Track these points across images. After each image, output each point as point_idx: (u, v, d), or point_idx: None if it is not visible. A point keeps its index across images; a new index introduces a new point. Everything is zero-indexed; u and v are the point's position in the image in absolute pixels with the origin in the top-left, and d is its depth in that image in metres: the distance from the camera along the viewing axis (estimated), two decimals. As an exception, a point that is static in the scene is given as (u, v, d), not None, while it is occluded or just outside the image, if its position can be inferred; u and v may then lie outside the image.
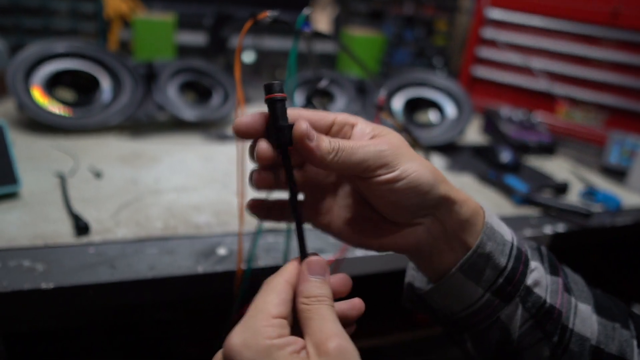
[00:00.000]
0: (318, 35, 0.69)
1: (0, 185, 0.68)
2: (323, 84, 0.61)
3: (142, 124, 1.04)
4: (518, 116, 1.29)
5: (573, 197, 0.98)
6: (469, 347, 0.44)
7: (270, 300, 0.32)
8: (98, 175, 0.80)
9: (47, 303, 0.54)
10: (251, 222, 0.70)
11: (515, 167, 1.07)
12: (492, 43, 1.46)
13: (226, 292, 0.61)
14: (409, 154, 0.37)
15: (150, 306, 0.61)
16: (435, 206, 0.38)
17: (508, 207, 0.89)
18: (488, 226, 0.39)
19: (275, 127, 0.34)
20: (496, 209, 0.87)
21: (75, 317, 0.59)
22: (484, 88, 1.53)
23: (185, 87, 1.11)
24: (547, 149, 1.23)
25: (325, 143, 0.35)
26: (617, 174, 1.16)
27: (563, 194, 0.98)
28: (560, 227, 0.84)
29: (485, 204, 0.83)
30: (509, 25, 1.44)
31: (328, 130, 0.38)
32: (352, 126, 0.39)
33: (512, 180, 0.94)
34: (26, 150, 0.86)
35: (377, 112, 0.65)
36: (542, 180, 1.02)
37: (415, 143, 0.69)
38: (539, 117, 1.34)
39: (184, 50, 1.42)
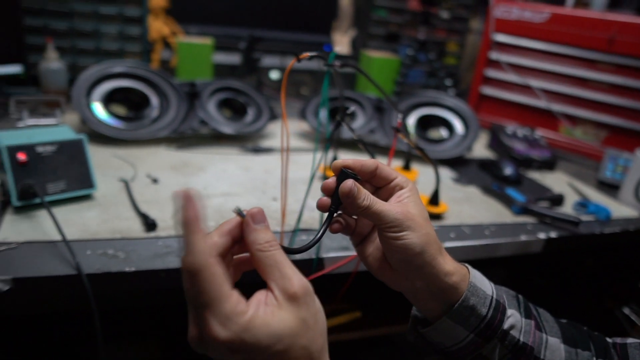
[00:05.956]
0: (344, 66, 0.83)
1: (82, 188, 0.82)
2: (351, 110, 0.74)
3: (186, 136, 1.18)
4: (522, 132, 1.42)
5: (567, 208, 1.10)
6: None
7: (215, 284, 0.35)
8: (155, 181, 0.94)
9: (129, 283, 0.67)
10: (289, 224, 0.83)
11: (517, 180, 1.19)
12: (499, 64, 1.59)
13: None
14: (416, 224, 0.48)
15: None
16: (420, 267, 0.50)
17: (508, 216, 1.01)
18: (471, 285, 0.52)
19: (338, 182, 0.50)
20: (497, 218, 0.99)
21: (148, 297, 0.73)
22: (491, 105, 1.66)
23: (223, 104, 1.25)
24: (548, 164, 1.35)
25: (359, 200, 0.48)
26: (612, 188, 1.28)
27: (559, 205, 1.10)
28: (553, 233, 0.96)
29: (487, 215, 0.96)
30: (514, 48, 1.57)
31: (389, 182, 0.51)
32: (401, 188, 0.51)
33: (512, 192, 1.06)
34: (92, 158, 1.00)
35: (395, 133, 0.78)
36: (540, 192, 1.14)
37: (426, 159, 0.82)
38: (541, 133, 1.46)
39: (219, 70, 1.57)
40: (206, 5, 1.63)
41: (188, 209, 0.37)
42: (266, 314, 0.35)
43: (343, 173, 0.49)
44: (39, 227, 0.73)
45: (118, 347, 1.17)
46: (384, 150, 1.26)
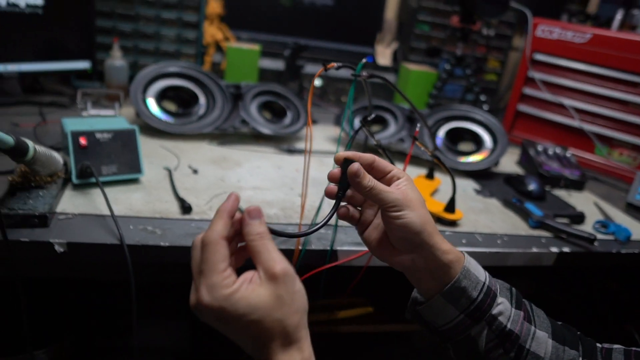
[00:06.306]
0: (372, 76, 0.89)
1: (131, 172, 0.93)
2: (372, 116, 0.81)
3: (228, 134, 1.28)
4: (552, 150, 1.43)
5: (588, 227, 1.12)
6: (450, 353, 0.63)
7: (216, 259, 0.43)
8: (195, 171, 1.05)
9: (163, 256, 0.77)
10: (308, 217, 0.91)
11: (540, 196, 1.21)
12: (541, 83, 1.61)
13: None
14: (414, 205, 0.54)
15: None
16: (420, 245, 0.56)
17: (524, 229, 1.04)
18: (465, 269, 0.57)
19: (343, 169, 0.57)
20: (512, 229, 1.03)
21: (178, 272, 0.83)
22: (528, 123, 1.67)
23: (264, 106, 1.35)
24: (577, 183, 1.35)
25: (365, 181, 0.55)
26: (640, 211, 1.27)
27: (579, 224, 1.12)
28: (566, 248, 0.99)
29: (502, 226, 0.99)
30: (554, 67, 1.59)
31: (386, 174, 0.58)
32: (398, 178, 0.57)
33: (531, 206, 1.09)
34: (142, 147, 1.12)
35: (412, 141, 0.84)
36: (562, 209, 1.16)
37: (442, 167, 0.87)
38: (573, 152, 1.47)
39: (264, 74, 1.68)
40: (257, 13, 1.75)
41: (228, 202, 0.47)
42: (247, 289, 0.43)
43: (347, 161, 0.56)
44: (92, 202, 0.85)
45: (151, 323, 1.28)
46: (412, 159, 1.32)
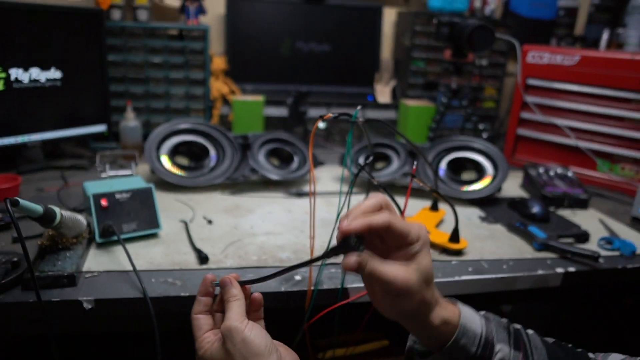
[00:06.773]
0: (369, 120, 0.95)
1: (150, 228, 1.00)
2: (370, 159, 0.87)
3: (239, 183, 1.35)
4: (554, 171, 1.47)
5: (593, 245, 1.14)
6: None
7: (194, 330, 0.58)
8: (210, 222, 1.10)
9: (185, 306, 0.82)
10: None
11: (544, 218, 1.24)
12: (535, 107, 1.66)
13: (298, 307, 0.86)
14: (415, 288, 0.51)
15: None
16: (412, 317, 0.55)
17: (529, 252, 1.07)
18: (462, 326, 0.57)
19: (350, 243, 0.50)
20: (518, 254, 1.06)
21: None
22: (529, 147, 1.72)
23: (271, 153, 1.42)
24: (581, 202, 1.38)
25: (363, 271, 0.49)
26: (647, 224, 1.29)
27: (584, 242, 1.15)
28: (571, 268, 1.01)
29: (508, 251, 1.02)
30: (547, 90, 1.64)
31: (403, 238, 0.51)
32: (411, 243, 0.52)
33: (534, 229, 1.13)
34: (158, 203, 1.19)
35: (410, 179, 0.90)
36: (565, 229, 1.19)
37: (443, 200, 0.92)
38: (575, 171, 1.50)
39: (270, 122, 1.76)
40: (259, 65, 1.85)
41: (200, 285, 0.60)
42: (212, 347, 0.55)
43: (344, 242, 0.48)
44: (115, 259, 0.91)
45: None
46: (414, 192, 1.36)
